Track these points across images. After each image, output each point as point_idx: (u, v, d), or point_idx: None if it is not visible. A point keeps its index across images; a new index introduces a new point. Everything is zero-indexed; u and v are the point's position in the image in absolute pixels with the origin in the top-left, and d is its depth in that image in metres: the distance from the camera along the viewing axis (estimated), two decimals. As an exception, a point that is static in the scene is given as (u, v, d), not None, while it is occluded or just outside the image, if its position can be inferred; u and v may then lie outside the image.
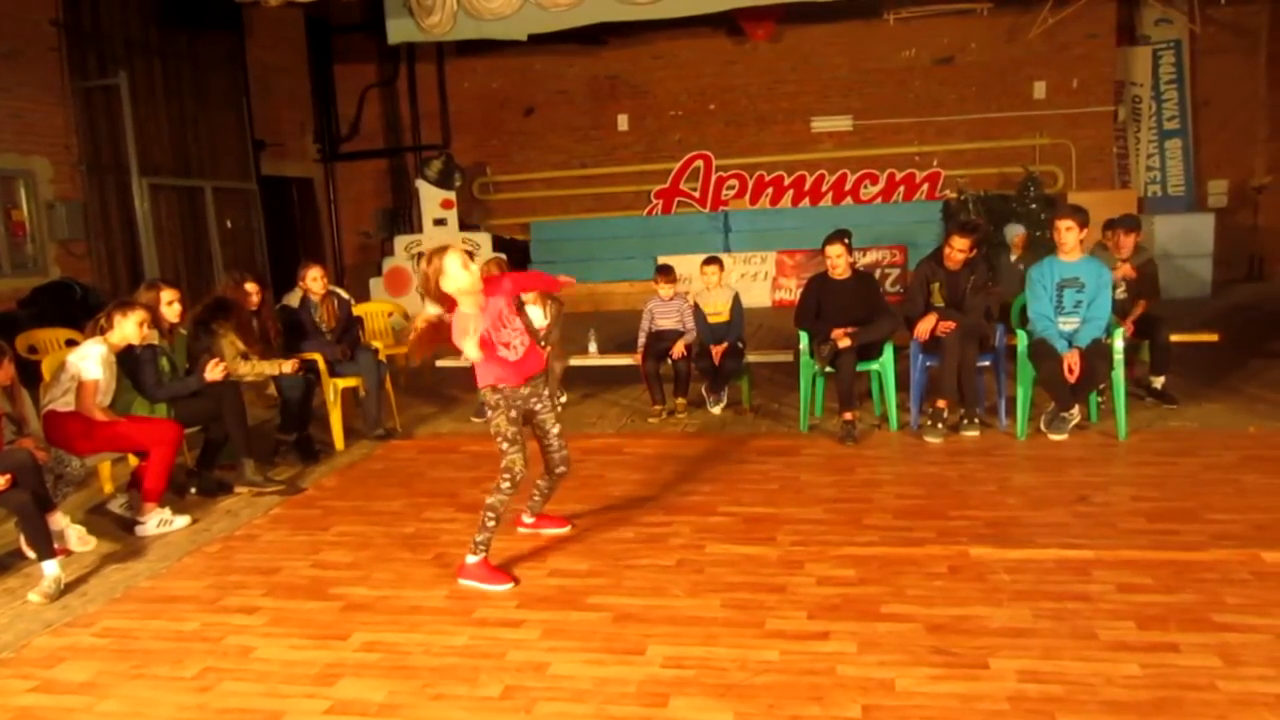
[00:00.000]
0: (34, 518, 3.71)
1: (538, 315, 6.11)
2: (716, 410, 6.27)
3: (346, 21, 12.83)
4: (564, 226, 13.68)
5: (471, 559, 3.57)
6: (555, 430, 3.79)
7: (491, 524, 3.55)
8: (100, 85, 9.57)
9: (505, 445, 3.54)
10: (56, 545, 4.06)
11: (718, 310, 6.25)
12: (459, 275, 3.41)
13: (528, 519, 4.10)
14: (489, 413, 3.59)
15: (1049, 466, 4.78)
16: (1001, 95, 12.69)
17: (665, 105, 13.68)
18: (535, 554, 3.88)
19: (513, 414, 3.58)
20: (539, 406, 3.71)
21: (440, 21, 9.37)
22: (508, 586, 3.49)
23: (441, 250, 3.44)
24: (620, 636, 3.10)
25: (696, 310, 6.26)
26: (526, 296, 5.86)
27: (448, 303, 3.46)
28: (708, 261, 6.38)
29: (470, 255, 3.51)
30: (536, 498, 4.04)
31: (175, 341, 5.09)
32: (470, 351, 3.39)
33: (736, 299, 6.29)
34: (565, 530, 4.10)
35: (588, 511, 4.36)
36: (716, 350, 6.04)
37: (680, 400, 6.16)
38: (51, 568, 3.71)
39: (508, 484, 3.52)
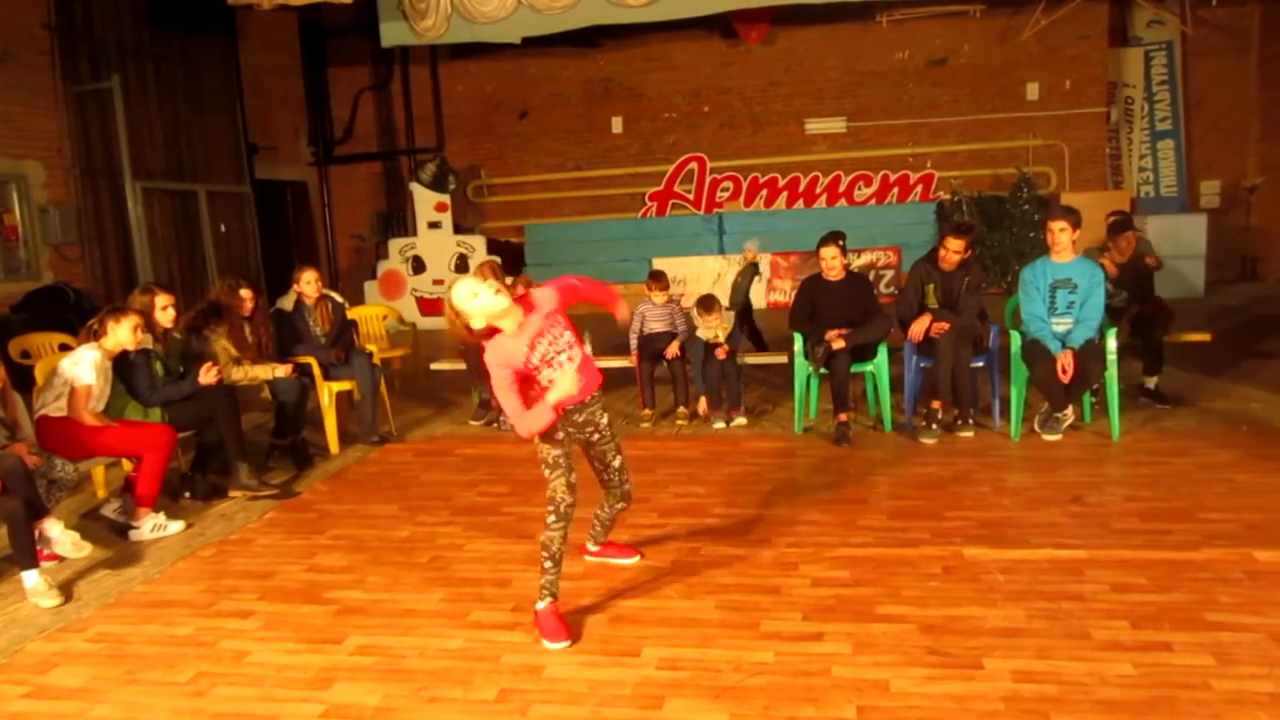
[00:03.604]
0: (23, 524, 3.69)
1: None
2: (720, 425, 5.94)
3: (340, 25, 12.84)
4: (558, 229, 13.70)
5: (540, 605, 3.15)
6: (616, 463, 3.37)
7: (549, 565, 3.12)
8: (93, 89, 9.56)
9: (546, 471, 3.14)
10: (46, 551, 4.06)
11: (715, 336, 6.01)
12: (487, 304, 2.92)
13: (592, 547, 3.75)
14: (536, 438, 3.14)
15: (1043, 467, 4.78)
16: (995, 97, 12.73)
17: (659, 108, 13.70)
18: (530, 556, 3.86)
19: (559, 435, 3.13)
20: (595, 437, 3.29)
21: (434, 25, 9.38)
22: (561, 645, 3.04)
23: (448, 289, 3.00)
24: (615, 638, 3.10)
25: (689, 312, 6.25)
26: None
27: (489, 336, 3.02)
28: (707, 310, 5.97)
29: (494, 273, 3.01)
30: (597, 527, 3.67)
31: (169, 346, 5.08)
32: (519, 422, 2.96)
33: (735, 320, 6.20)
34: (634, 560, 3.72)
35: (583, 514, 4.33)
36: (723, 350, 5.91)
37: (682, 409, 6.09)
38: (31, 578, 3.65)
39: (553, 517, 3.11)
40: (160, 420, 4.75)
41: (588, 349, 3.39)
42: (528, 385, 3.07)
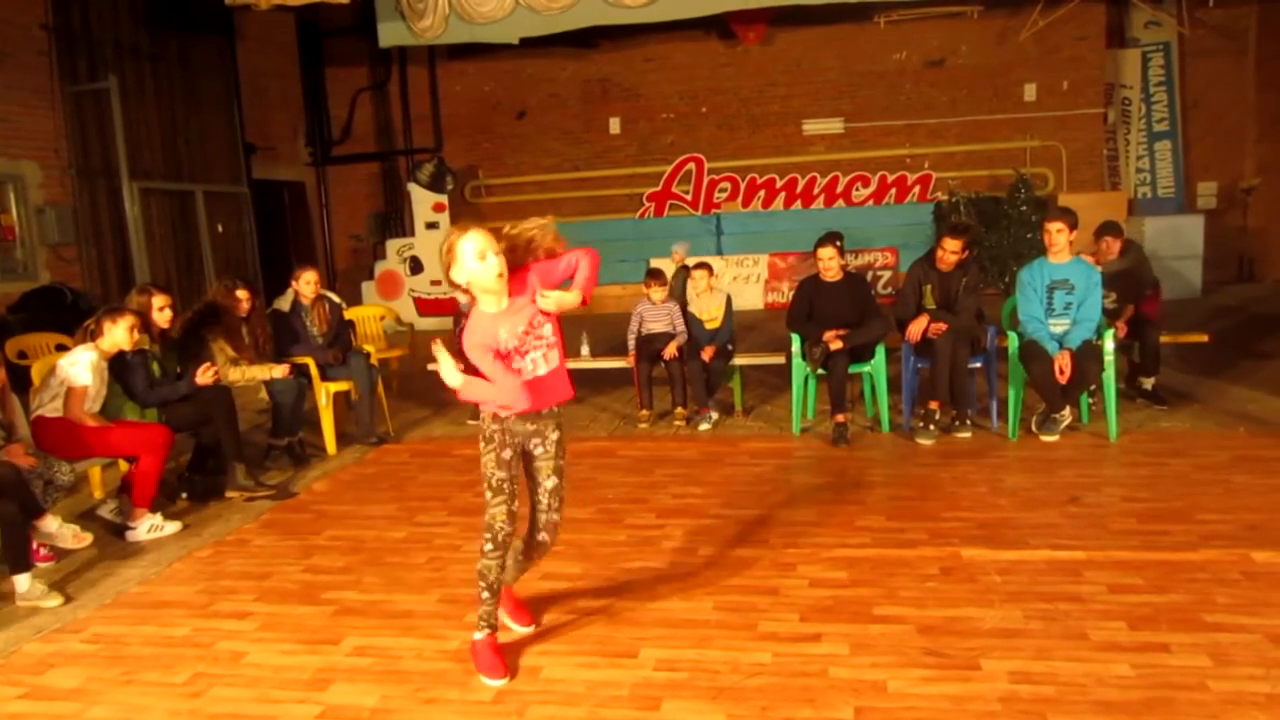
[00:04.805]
0: (18, 528, 3.68)
1: None
2: (706, 427, 5.96)
3: (338, 25, 12.83)
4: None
5: (476, 636, 2.95)
6: (549, 485, 2.98)
7: (485, 595, 2.88)
8: (90, 89, 9.55)
9: (488, 494, 2.87)
10: (44, 551, 4.05)
11: (713, 316, 6.19)
12: (472, 267, 2.69)
13: None
14: (481, 444, 2.93)
15: (1040, 467, 4.79)
16: (992, 98, 12.75)
17: (657, 108, 13.71)
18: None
19: (506, 454, 2.88)
20: (539, 450, 2.96)
21: (432, 25, 9.38)
22: (499, 683, 2.83)
23: (462, 229, 2.73)
24: (613, 639, 3.10)
25: (687, 312, 6.25)
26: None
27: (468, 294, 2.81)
28: (697, 267, 6.36)
29: (505, 239, 2.68)
30: (508, 562, 2.99)
31: (166, 347, 5.07)
32: (448, 378, 2.74)
33: (728, 303, 6.27)
34: (528, 630, 3.19)
35: (580, 515, 4.35)
36: (708, 351, 6.00)
37: (680, 409, 6.10)
38: (23, 583, 3.64)
39: (489, 544, 2.84)
40: (157, 421, 4.74)
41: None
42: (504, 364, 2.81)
